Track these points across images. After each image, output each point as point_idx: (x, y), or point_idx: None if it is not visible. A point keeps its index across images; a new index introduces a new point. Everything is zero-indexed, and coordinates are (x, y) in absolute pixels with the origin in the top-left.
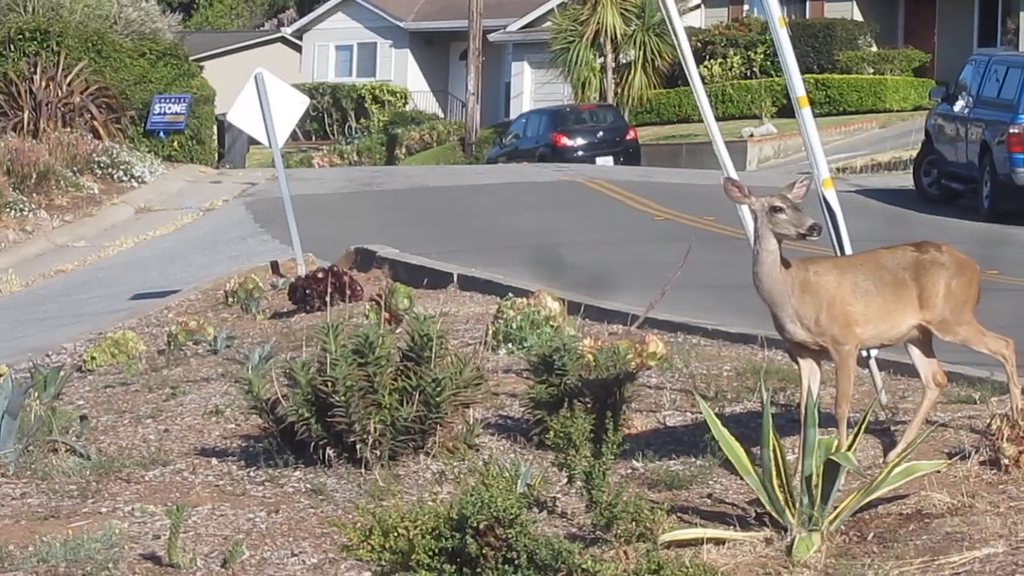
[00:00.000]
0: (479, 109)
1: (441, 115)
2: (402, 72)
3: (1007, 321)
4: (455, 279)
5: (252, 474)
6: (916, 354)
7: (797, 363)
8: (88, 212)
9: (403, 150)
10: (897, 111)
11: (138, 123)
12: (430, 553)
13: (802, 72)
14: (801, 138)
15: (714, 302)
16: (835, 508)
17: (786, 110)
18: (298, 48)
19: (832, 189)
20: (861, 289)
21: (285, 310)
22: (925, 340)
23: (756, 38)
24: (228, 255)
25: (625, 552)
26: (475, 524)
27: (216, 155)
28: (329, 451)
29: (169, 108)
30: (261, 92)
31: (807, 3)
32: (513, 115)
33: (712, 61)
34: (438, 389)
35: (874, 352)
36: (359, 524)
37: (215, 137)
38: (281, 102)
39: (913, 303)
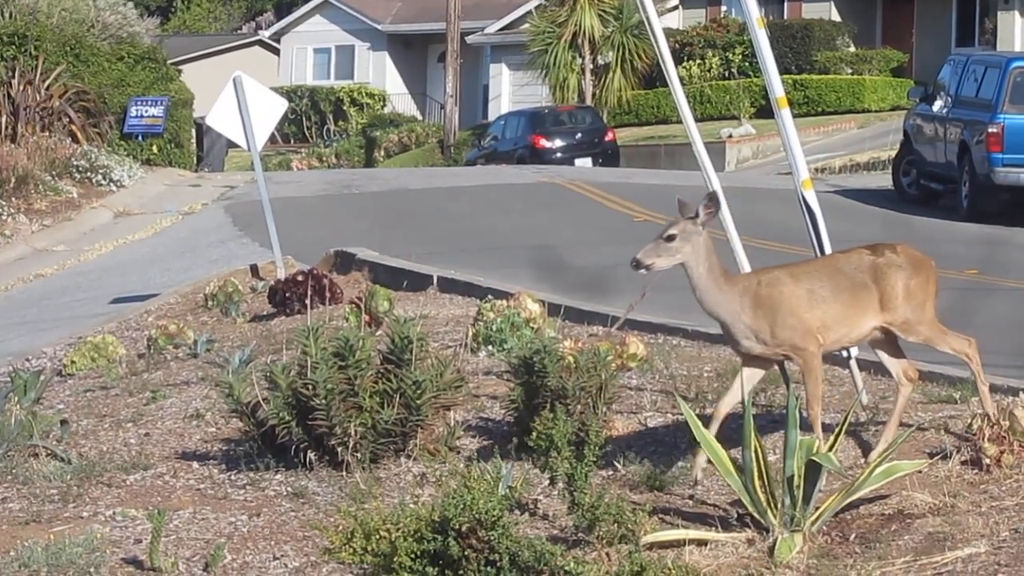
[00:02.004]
0: (457, 111)
1: (420, 117)
2: (380, 75)
3: (986, 319)
4: (435, 281)
5: (233, 478)
6: (884, 355)
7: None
8: (67, 216)
9: (382, 152)
10: (876, 111)
11: (116, 127)
12: (412, 555)
13: (780, 73)
14: (780, 139)
15: (694, 303)
16: (817, 509)
17: (764, 111)
18: (276, 51)
19: (811, 190)
20: (817, 296)
21: (265, 313)
22: (890, 340)
23: (734, 39)
24: (208, 259)
25: (607, 554)
26: (457, 526)
27: (195, 158)
28: (310, 454)
29: (146, 111)
30: (240, 95)
31: (785, 4)
32: (491, 117)
33: (690, 62)
34: (419, 392)
35: (854, 352)
36: (341, 527)
37: (194, 140)
38: (260, 105)
39: (873, 306)
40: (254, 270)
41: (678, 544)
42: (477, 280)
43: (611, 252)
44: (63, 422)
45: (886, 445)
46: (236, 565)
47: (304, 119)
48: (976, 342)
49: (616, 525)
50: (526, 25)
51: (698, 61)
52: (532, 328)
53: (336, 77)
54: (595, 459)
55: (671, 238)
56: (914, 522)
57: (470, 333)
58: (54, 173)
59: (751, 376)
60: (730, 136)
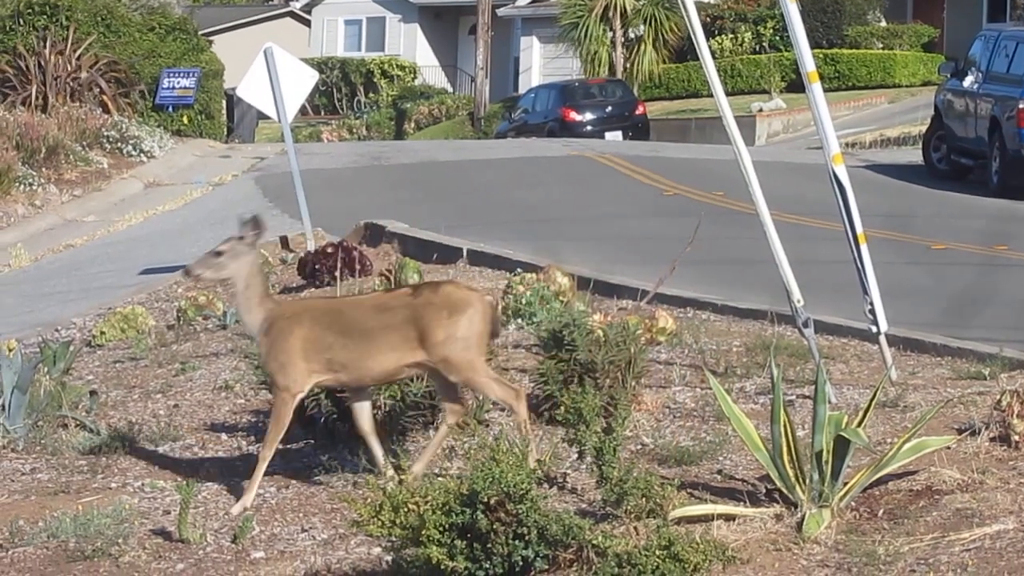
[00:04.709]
0: (488, 84)
1: (450, 90)
2: (411, 47)
3: (1015, 295)
4: (464, 254)
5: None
6: (438, 385)
7: None
8: (97, 187)
9: (412, 125)
10: (906, 86)
11: (147, 98)
12: (440, 529)
13: (811, 47)
14: (810, 113)
15: (723, 277)
16: (845, 484)
17: (795, 85)
18: (307, 23)
19: (842, 165)
20: (323, 344)
21: (295, 285)
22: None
23: (765, 13)
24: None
25: (635, 528)
26: (485, 499)
27: (225, 130)
28: (339, 426)
29: (178, 82)
30: (271, 66)
31: None
32: (522, 90)
33: (722, 36)
34: None
35: (884, 327)
36: (369, 500)
37: (224, 112)
38: (290, 77)
39: (405, 346)
40: (284, 242)
41: (706, 519)
42: (507, 253)
43: (641, 226)
44: (92, 393)
45: (424, 463)
46: (264, 537)
47: (335, 91)
48: (524, 392)
49: (644, 499)
50: None
51: (730, 35)
52: (562, 301)
53: (367, 49)
54: (623, 433)
55: (219, 254)
56: (942, 498)
57: (500, 306)
58: (84, 143)
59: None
60: (761, 110)
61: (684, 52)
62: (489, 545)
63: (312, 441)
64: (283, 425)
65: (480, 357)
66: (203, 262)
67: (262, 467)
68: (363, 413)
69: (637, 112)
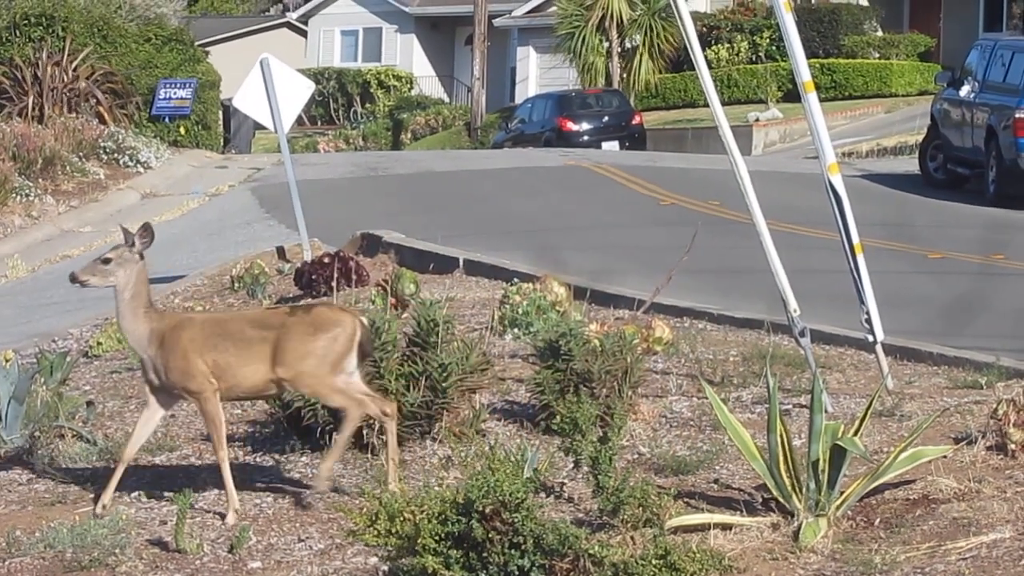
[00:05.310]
0: (484, 94)
1: (447, 100)
2: (407, 57)
3: (1012, 304)
4: (461, 264)
5: (258, 459)
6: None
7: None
8: (94, 197)
9: (409, 135)
10: (903, 96)
11: (143, 108)
12: (436, 538)
13: (807, 57)
14: (807, 123)
15: (720, 287)
16: (842, 493)
17: (792, 95)
18: (303, 33)
19: (838, 174)
20: (209, 344)
21: (291, 295)
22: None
23: (762, 23)
24: (234, 240)
25: (632, 537)
26: (481, 509)
27: (222, 140)
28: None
29: (175, 93)
30: (267, 77)
31: None
32: (519, 100)
33: (718, 46)
34: (444, 374)
35: (880, 336)
36: (365, 509)
37: (221, 122)
38: (287, 87)
39: (269, 360)
40: (280, 252)
41: (703, 528)
42: (503, 263)
43: (637, 235)
44: (89, 403)
45: (392, 475)
46: (261, 547)
47: (331, 101)
48: (368, 403)
49: (641, 509)
50: (553, 8)
51: (726, 45)
52: (558, 311)
53: (363, 59)
54: (620, 443)
55: (107, 261)
56: (939, 507)
57: (496, 316)
58: (81, 154)
59: (152, 414)
60: (757, 120)
61: (680, 62)
62: (485, 554)
63: (309, 451)
64: (219, 423)
65: (333, 373)
66: (90, 268)
67: (225, 467)
68: (150, 421)
69: (634, 122)
